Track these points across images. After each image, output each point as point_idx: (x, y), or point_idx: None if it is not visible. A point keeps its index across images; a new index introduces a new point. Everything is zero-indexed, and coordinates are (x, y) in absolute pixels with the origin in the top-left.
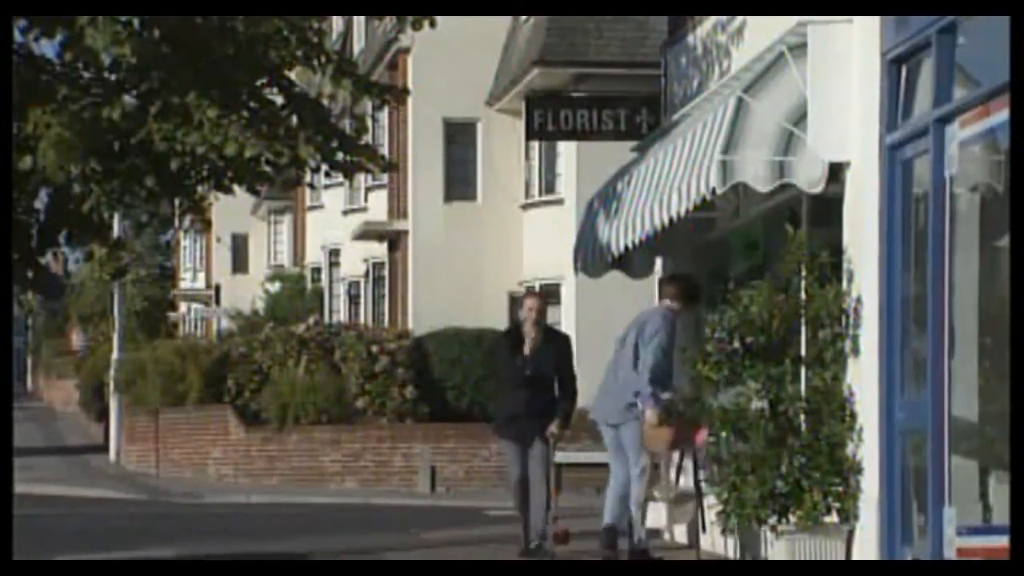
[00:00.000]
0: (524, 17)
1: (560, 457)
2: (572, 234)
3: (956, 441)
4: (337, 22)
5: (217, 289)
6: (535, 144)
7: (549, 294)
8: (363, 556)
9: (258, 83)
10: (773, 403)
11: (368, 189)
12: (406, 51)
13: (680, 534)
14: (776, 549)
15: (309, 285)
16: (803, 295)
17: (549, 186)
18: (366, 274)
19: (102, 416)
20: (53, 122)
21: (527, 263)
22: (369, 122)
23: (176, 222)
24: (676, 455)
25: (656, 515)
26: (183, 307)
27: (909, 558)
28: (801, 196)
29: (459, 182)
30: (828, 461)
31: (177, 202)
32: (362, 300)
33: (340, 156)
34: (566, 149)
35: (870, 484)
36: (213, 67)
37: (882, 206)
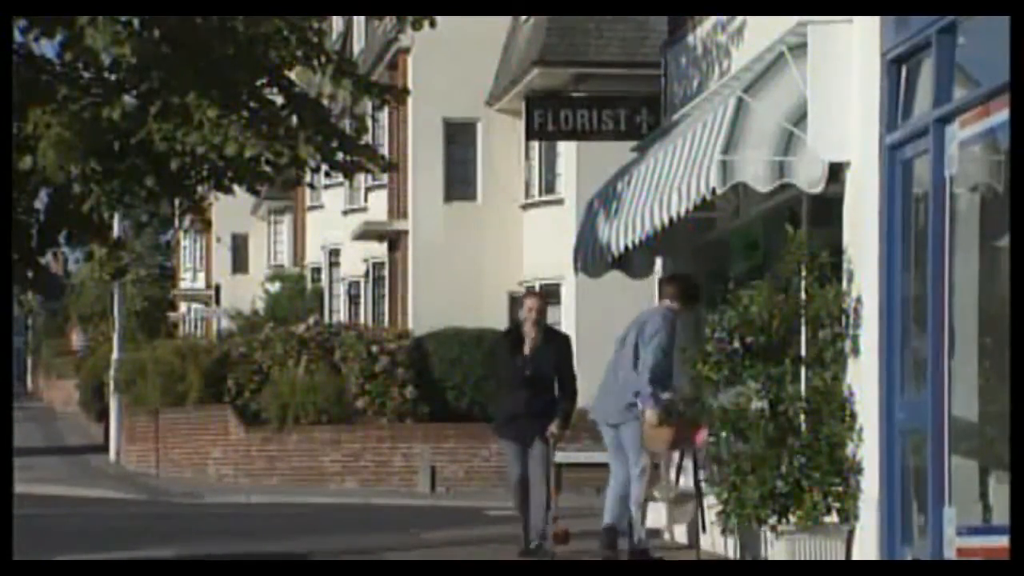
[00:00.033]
0: (524, 17)
1: (560, 457)
2: (572, 234)
3: (956, 441)
4: (337, 22)
5: (217, 289)
6: (535, 144)
7: (549, 294)
8: (363, 556)
9: (258, 83)
10: (773, 403)
11: (368, 189)
12: (406, 51)
13: (680, 534)
14: (776, 549)
15: (309, 285)
16: (803, 295)
17: (549, 186)
18: (366, 274)
19: (102, 416)
20: (53, 122)
21: (527, 263)
22: (369, 122)
23: (176, 222)
24: (676, 455)
25: (656, 515)
26: (183, 307)
27: (909, 558)
28: (801, 196)
29: (459, 182)
30: (828, 461)
31: (177, 202)
32: (362, 300)
33: (340, 156)
34: (566, 149)
35: (870, 484)
36: (213, 67)
37: (882, 206)
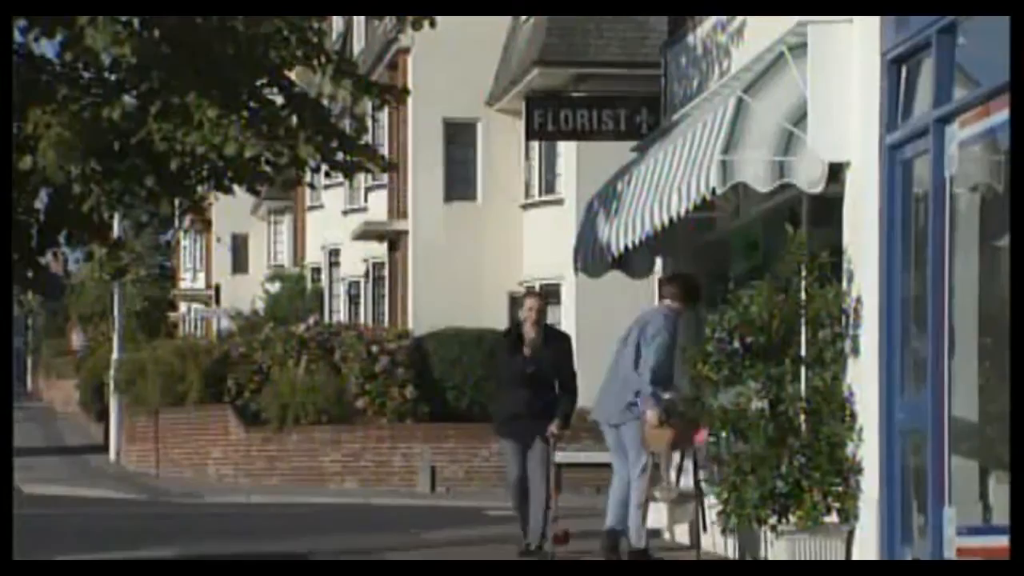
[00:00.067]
0: (524, 17)
1: (560, 457)
2: (572, 234)
3: (956, 441)
4: (337, 22)
5: (217, 289)
6: (535, 144)
7: (549, 294)
8: (363, 556)
9: (258, 83)
10: (773, 403)
11: (368, 189)
12: (406, 51)
13: (681, 534)
14: (776, 549)
15: (309, 285)
16: (803, 295)
17: (549, 186)
18: (366, 274)
19: (102, 416)
20: (53, 122)
21: (527, 263)
22: (369, 122)
23: (176, 222)
24: (676, 455)
25: (656, 515)
26: (183, 307)
27: (909, 558)
28: (801, 196)
29: (459, 182)
30: (828, 461)
31: (177, 202)
32: (362, 300)
33: (340, 156)
34: (566, 149)
35: (870, 484)
36: (213, 67)
37: (882, 206)
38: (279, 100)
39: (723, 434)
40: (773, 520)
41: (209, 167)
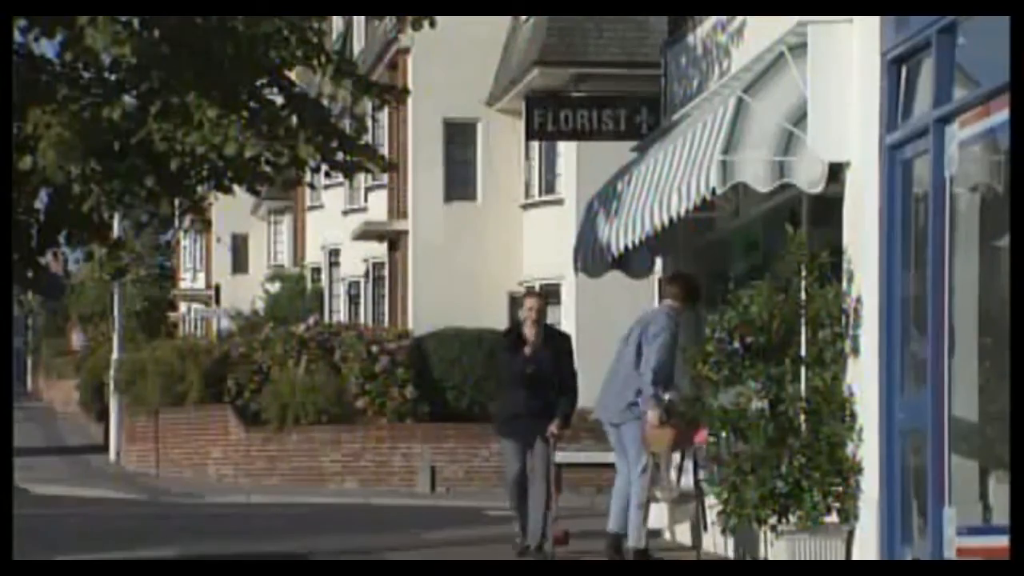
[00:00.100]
0: (524, 17)
1: (560, 457)
2: (572, 234)
3: (956, 441)
4: (337, 22)
5: (217, 289)
6: (535, 144)
7: (549, 294)
8: (363, 556)
9: (258, 83)
10: (773, 403)
11: (368, 189)
12: (406, 51)
13: (681, 534)
14: (776, 549)
15: (309, 285)
16: (803, 295)
17: (549, 186)
18: (366, 274)
19: (102, 416)
20: (53, 122)
21: (527, 263)
22: (369, 122)
23: (176, 222)
24: (676, 455)
25: (657, 515)
26: (183, 307)
27: (909, 558)
28: (801, 196)
29: (459, 182)
30: (828, 461)
31: (177, 202)
32: (362, 300)
33: (340, 156)
34: (566, 149)
35: (870, 484)
36: (213, 67)
37: (882, 206)
38: (279, 100)
39: (723, 434)
40: (773, 520)
41: (209, 167)
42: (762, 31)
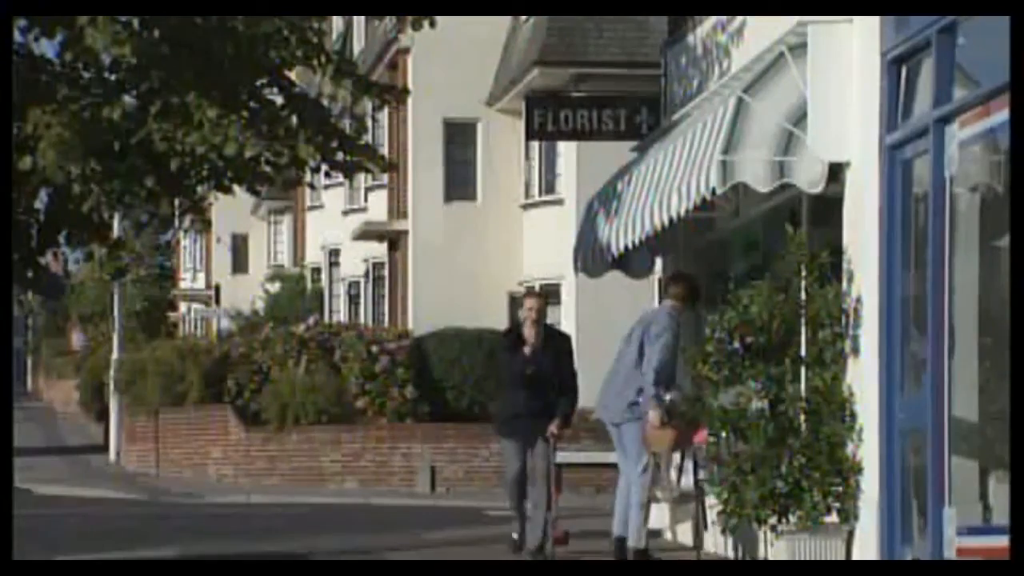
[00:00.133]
0: (524, 17)
1: (560, 457)
2: (572, 234)
3: (956, 441)
4: (337, 22)
5: (217, 289)
6: (535, 144)
7: (549, 294)
8: (363, 556)
9: (258, 83)
10: (773, 403)
11: (368, 189)
12: (406, 51)
13: (683, 534)
14: (776, 549)
15: (309, 285)
16: (803, 295)
17: (549, 186)
18: (366, 274)
19: (102, 416)
20: (53, 122)
21: (527, 263)
22: (369, 122)
23: (176, 222)
24: (676, 455)
25: (658, 515)
26: (183, 307)
27: (909, 558)
28: (801, 196)
29: (459, 182)
30: (828, 461)
31: (177, 202)
32: (362, 300)
33: (340, 156)
34: (566, 149)
35: (870, 484)
36: (213, 67)
37: (882, 206)
38: (279, 100)
39: (723, 434)
40: (773, 520)
41: (209, 167)
42: (762, 31)
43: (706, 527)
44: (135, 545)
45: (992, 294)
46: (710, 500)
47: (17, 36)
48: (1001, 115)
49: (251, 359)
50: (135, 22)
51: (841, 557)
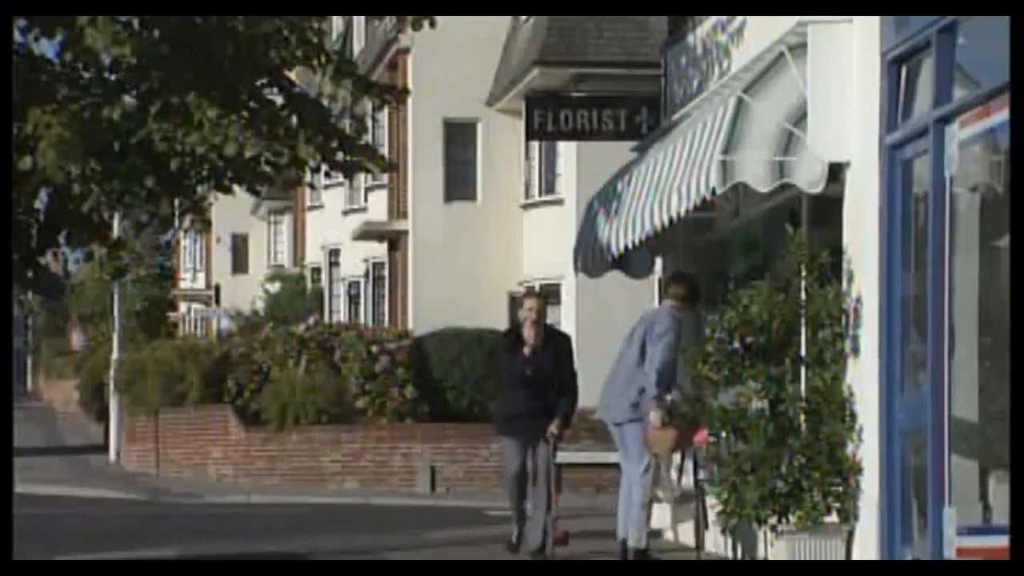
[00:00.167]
0: (524, 17)
1: (560, 457)
2: (572, 234)
3: (956, 441)
4: (337, 22)
5: (217, 289)
6: (535, 144)
7: (549, 294)
8: (363, 556)
9: (258, 83)
10: (773, 403)
11: (368, 189)
12: (406, 51)
13: (684, 534)
14: (776, 549)
15: (309, 285)
16: (803, 295)
17: (549, 186)
18: (366, 274)
19: (102, 416)
20: (53, 122)
21: (527, 263)
22: (369, 122)
23: (176, 222)
24: (676, 455)
25: (660, 515)
26: (183, 307)
27: (909, 558)
28: (801, 196)
29: (459, 182)
30: (828, 461)
31: (177, 202)
32: (362, 300)
33: (340, 156)
34: (566, 149)
35: (870, 484)
36: (213, 67)
37: (882, 206)
38: (279, 100)
39: (723, 434)
40: (773, 520)
41: (209, 167)
42: (762, 31)
43: (707, 527)
44: (135, 545)
45: (992, 294)
46: (710, 500)
47: (17, 36)
48: (1001, 115)
49: (251, 359)
50: (135, 22)
51: (841, 557)
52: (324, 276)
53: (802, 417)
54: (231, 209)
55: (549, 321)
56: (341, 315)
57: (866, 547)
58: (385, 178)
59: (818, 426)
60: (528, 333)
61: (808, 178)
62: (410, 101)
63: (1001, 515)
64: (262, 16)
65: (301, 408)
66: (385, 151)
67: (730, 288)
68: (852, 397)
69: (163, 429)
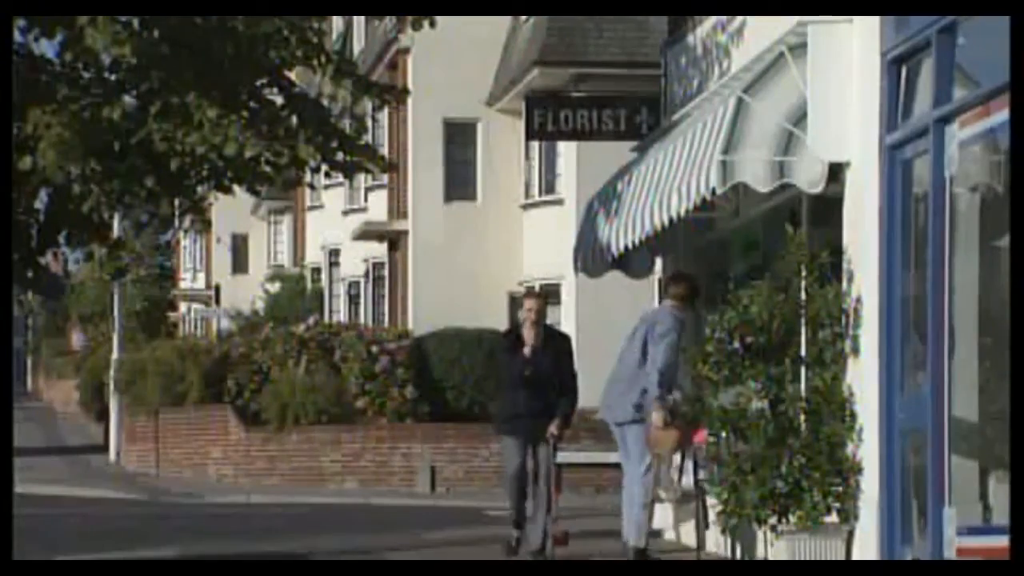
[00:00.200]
0: (524, 17)
1: (560, 457)
2: (572, 234)
3: (956, 441)
4: (337, 22)
5: (217, 289)
6: (535, 144)
7: (549, 294)
8: (363, 556)
9: (258, 83)
10: (773, 403)
11: (368, 189)
12: (406, 51)
13: (686, 535)
14: (776, 549)
15: (309, 285)
16: (803, 295)
17: (549, 186)
18: (366, 274)
19: (102, 416)
20: (53, 122)
21: (527, 263)
22: (369, 122)
23: (176, 222)
24: (676, 455)
25: (661, 515)
26: (183, 307)
27: (909, 558)
28: (801, 196)
29: (459, 182)
30: (828, 461)
31: (177, 202)
32: (362, 300)
33: (340, 156)
34: (566, 149)
35: (870, 484)
36: (213, 67)
37: (882, 206)
38: (279, 100)
39: (723, 434)
40: (773, 520)
41: (209, 167)
42: (762, 31)
43: (707, 527)
44: (135, 545)
45: (992, 294)
46: (710, 500)
47: (17, 36)
48: (1001, 115)
49: (251, 359)
50: (135, 22)
51: (841, 557)
52: (324, 276)
53: (802, 417)
54: (231, 209)
55: (549, 321)
56: (341, 315)
57: (866, 547)
58: (385, 178)
59: (818, 426)
60: (528, 333)
61: (808, 178)
62: (410, 101)
63: (1001, 515)
64: (262, 16)
65: (301, 408)
66: (385, 151)
67: (730, 288)
68: (852, 397)
69: (163, 429)
